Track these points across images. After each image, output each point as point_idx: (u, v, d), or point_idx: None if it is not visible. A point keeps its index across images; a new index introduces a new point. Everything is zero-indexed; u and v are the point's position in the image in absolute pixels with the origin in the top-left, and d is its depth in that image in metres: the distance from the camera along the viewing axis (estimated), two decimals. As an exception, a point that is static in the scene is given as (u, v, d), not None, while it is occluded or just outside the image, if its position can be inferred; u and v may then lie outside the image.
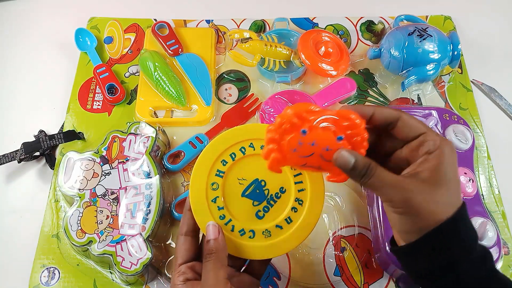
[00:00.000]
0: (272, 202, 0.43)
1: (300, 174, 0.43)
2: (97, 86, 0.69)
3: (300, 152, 0.37)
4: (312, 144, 0.37)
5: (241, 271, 0.44)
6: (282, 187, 0.43)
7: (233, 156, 0.43)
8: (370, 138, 0.38)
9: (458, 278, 0.35)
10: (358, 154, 0.37)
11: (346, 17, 0.77)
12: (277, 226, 0.42)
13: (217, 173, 0.43)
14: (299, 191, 0.43)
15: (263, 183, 0.43)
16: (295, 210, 0.42)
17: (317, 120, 0.37)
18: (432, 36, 0.64)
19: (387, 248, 0.53)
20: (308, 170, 0.41)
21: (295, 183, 0.43)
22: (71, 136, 0.63)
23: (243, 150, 0.43)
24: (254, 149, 0.43)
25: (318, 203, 0.43)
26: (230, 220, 0.42)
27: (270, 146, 0.37)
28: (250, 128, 0.45)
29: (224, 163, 0.43)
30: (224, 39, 0.73)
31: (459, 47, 0.64)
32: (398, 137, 0.39)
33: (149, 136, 0.59)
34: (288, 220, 0.42)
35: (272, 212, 0.42)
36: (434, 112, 0.63)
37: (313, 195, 0.43)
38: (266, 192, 0.43)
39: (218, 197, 0.42)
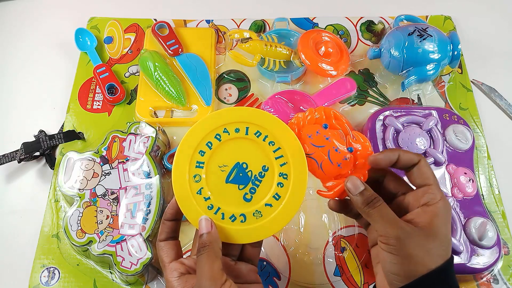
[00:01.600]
0: (257, 183, 0.42)
1: (279, 148, 0.43)
2: (97, 86, 0.69)
3: (313, 140, 0.42)
4: (327, 138, 0.42)
5: (237, 259, 0.44)
6: (265, 165, 0.43)
7: (210, 145, 0.43)
8: (379, 177, 0.43)
9: None
10: (367, 185, 0.41)
11: (346, 17, 0.77)
12: (266, 205, 0.42)
13: (197, 164, 0.42)
14: (281, 165, 0.43)
15: (244, 166, 0.43)
16: (281, 185, 0.42)
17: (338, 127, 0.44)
18: (432, 36, 0.64)
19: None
20: (309, 164, 0.43)
21: (276, 158, 0.43)
22: (71, 136, 0.63)
23: (218, 137, 0.43)
24: (229, 134, 0.43)
25: (302, 173, 0.43)
26: (219, 208, 0.42)
27: (293, 120, 0.44)
28: (221, 113, 0.44)
29: (202, 154, 0.43)
30: (224, 39, 0.73)
31: (459, 47, 0.64)
32: (409, 180, 0.43)
33: (149, 136, 0.59)
34: (276, 197, 0.42)
35: (259, 192, 0.42)
36: (434, 112, 0.63)
37: (296, 166, 0.43)
38: (249, 173, 0.43)
39: (202, 188, 0.42)
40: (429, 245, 0.38)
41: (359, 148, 0.43)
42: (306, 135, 0.43)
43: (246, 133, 0.43)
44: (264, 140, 0.43)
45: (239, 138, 0.43)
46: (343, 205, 0.46)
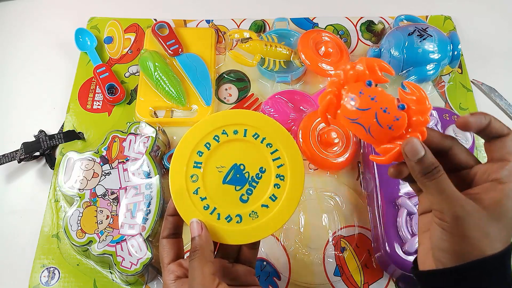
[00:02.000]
0: (254, 184, 0.42)
1: (277, 150, 0.43)
2: (97, 86, 0.69)
3: (358, 103, 0.36)
4: (372, 98, 0.36)
5: (234, 261, 0.44)
6: (262, 167, 0.43)
7: (208, 146, 0.43)
8: (444, 147, 0.37)
9: None
10: (429, 150, 0.35)
11: (346, 17, 0.77)
12: (262, 205, 0.42)
13: (195, 164, 0.43)
14: (278, 167, 0.43)
15: (242, 167, 0.43)
16: (278, 186, 0.42)
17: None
18: (432, 36, 0.64)
19: (387, 245, 0.53)
20: (354, 131, 0.38)
21: (273, 160, 0.43)
22: (71, 136, 0.63)
23: (216, 138, 0.43)
24: (227, 135, 0.43)
25: (299, 175, 0.43)
26: (215, 208, 0.41)
27: (329, 89, 0.36)
28: (220, 115, 0.45)
29: (200, 154, 0.43)
30: (224, 39, 0.73)
31: (459, 47, 0.64)
32: (487, 151, 0.37)
33: (149, 136, 0.59)
34: (273, 198, 0.42)
35: (256, 193, 0.42)
36: (434, 112, 0.63)
37: (293, 168, 0.43)
38: (246, 175, 0.43)
39: (199, 188, 0.42)
40: (491, 227, 0.33)
41: (414, 103, 0.36)
42: (348, 99, 0.36)
43: (244, 135, 0.43)
44: (262, 142, 0.43)
45: (237, 140, 0.43)
46: (403, 170, 0.37)
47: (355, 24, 0.76)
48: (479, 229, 0.33)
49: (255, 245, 0.44)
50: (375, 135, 0.36)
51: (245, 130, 0.43)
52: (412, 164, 0.35)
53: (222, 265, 0.43)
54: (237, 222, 0.41)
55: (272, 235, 0.43)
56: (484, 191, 0.34)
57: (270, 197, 0.42)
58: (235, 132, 0.43)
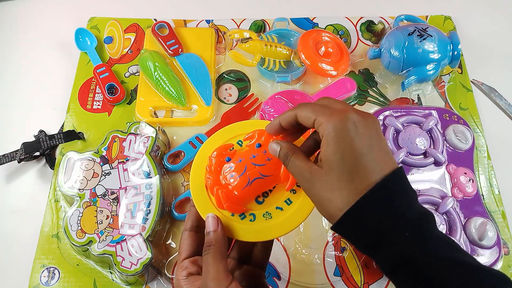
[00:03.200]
0: (271, 188, 0.43)
1: None
2: (97, 86, 0.69)
3: (237, 173, 0.41)
4: (239, 161, 0.42)
5: (245, 263, 0.44)
6: None
7: (231, 148, 0.44)
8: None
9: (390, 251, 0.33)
10: (284, 142, 0.39)
11: (346, 17, 0.77)
12: (277, 208, 0.42)
13: None
14: None
15: None
16: (294, 191, 0.43)
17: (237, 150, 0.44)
18: (432, 36, 0.64)
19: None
20: (260, 187, 0.42)
21: None
22: (71, 136, 0.63)
23: (240, 143, 0.45)
24: (250, 142, 0.45)
25: None
26: None
27: (215, 188, 0.41)
28: (249, 123, 0.46)
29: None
30: (224, 39, 0.73)
31: (459, 47, 0.64)
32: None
33: (149, 136, 0.59)
34: (288, 202, 0.42)
35: (272, 196, 0.43)
36: (434, 112, 0.63)
37: None
38: None
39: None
40: (330, 182, 0.34)
41: (263, 139, 0.43)
42: (229, 180, 0.41)
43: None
44: None
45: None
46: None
47: (355, 24, 0.76)
48: (324, 188, 0.34)
49: (266, 248, 0.44)
50: (272, 173, 0.42)
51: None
52: (280, 159, 0.39)
53: (233, 266, 0.43)
54: (250, 220, 0.41)
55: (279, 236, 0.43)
56: (321, 154, 0.35)
57: (286, 201, 0.42)
58: (258, 145, 0.44)
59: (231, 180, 0.41)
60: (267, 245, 0.44)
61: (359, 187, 0.33)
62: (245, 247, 0.44)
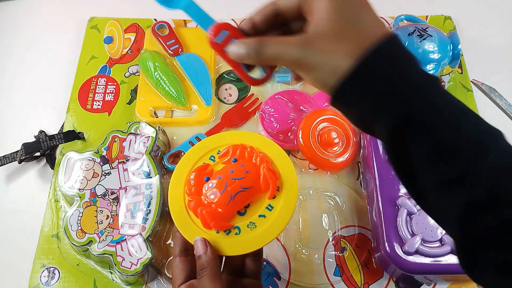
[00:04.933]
0: (253, 199, 0.43)
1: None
2: (97, 86, 0.69)
3: (218, 190, 0.42)
4: (219, 178, 0.42)
5: (240, 276, 0.44)
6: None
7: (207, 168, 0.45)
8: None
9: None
10: (244, 40, 0.35)
11: (346, 17, 0.77)
12: (260, 216, 0.42)
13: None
14: None
15: None
16: (274, 197, 0.43)
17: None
18: (432, 36, 0.64)
19: (387, 245, 0.53)
20: (243, 200, 0.42)
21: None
22: (71, 136, 0.63)
23: (212, 158, 0.46)
24: (226, 158, 0.46)
25: (293, 182, 0.44)
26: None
27: (199, 209, 0.41)
28: (215, 137, 0.48)
29: None
30: (224, 39, 0.73)
31: (459, 47, 0.64)
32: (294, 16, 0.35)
33: (149, 136, 0.59)
34: (269, 207, 0.43)
35: (252, 206, 0.43)
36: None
37: (286, 177, 0.44)
38: None
39: None
40: (331, 40, 0.31)
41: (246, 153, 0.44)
42: (211, 199, 0.42)
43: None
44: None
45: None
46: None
47: (355, 24, 0.76)
48: (327, 47, 0.31)
49: (258, 257, 0.44)
50: (256, 184, 0.43)
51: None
52: (247, 60, 0.35)
53: (229, 281, 0.43)
54: (236, 234, 0.42)
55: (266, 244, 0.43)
56: (312, 16, 0.32)
57: (267, 207, 0.43)
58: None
59: (213, 198, 0.42)
60: (257, 253, 0.44)
61: (363, 42, 0.30)
62: (236, 260, 0.44)
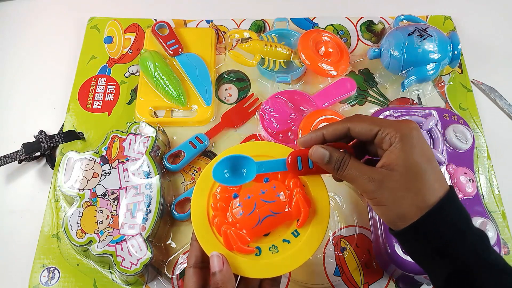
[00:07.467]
0: (280, 225, 0.41)
1: (304, 185, 0.42)
2: (97, 86, 0.69)
3: (246, 211, 0.39)
4: (248, 197, 0.40)
5: None
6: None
7: None
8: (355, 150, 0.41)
9: (454, 261, 0.35)
10: (332, 148, 0.40)
11: (346, 17, 0.77)
12: (284, 240, 0.40)
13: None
14: None
15: None
16: None
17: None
18: (432, 36, 0.64)
19: (387, 245, 0.53)
20: (270, 225, 0.40)
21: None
22: (71, 136, 0.63)
23: None
24: None
25: (324, 212, 0.41)
26: None
27: (223, 227, 0.40)
28: (246, 146, 0.45)
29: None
30: (224, 39, 0.73)
31: (459, 47, 0.64)
32: (375, 148, 0.40)
33: (149, 136, 0.59)
34: (295, 234, 0.40)
35: (278, 228, 0.41)
36: (434, 112, 0.63)
37: (319, 203, 0.42)
38: None
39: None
40: (403, 183, 0.36)
41: (280, 176, 0.42)
42: (238, 219, 0.40)
43: None
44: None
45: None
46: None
47: (355, 24, 0.76)
48: (404, 188, 0.36)
49: (275, 282, 0.42)
50: (281, 211, 0.40)
51: None
52: (326, 168, 0.40)
53: None
54: (256, 254, 0.39)
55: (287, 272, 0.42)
56: (385, 158, 0.38)
57: (293, 233, 0.40)
58: None
59: (240, 218, 0.39)
60: (276, 279, 0.42)
61: (428, 197, 0.36)
62: (253, 281, 0.42)
